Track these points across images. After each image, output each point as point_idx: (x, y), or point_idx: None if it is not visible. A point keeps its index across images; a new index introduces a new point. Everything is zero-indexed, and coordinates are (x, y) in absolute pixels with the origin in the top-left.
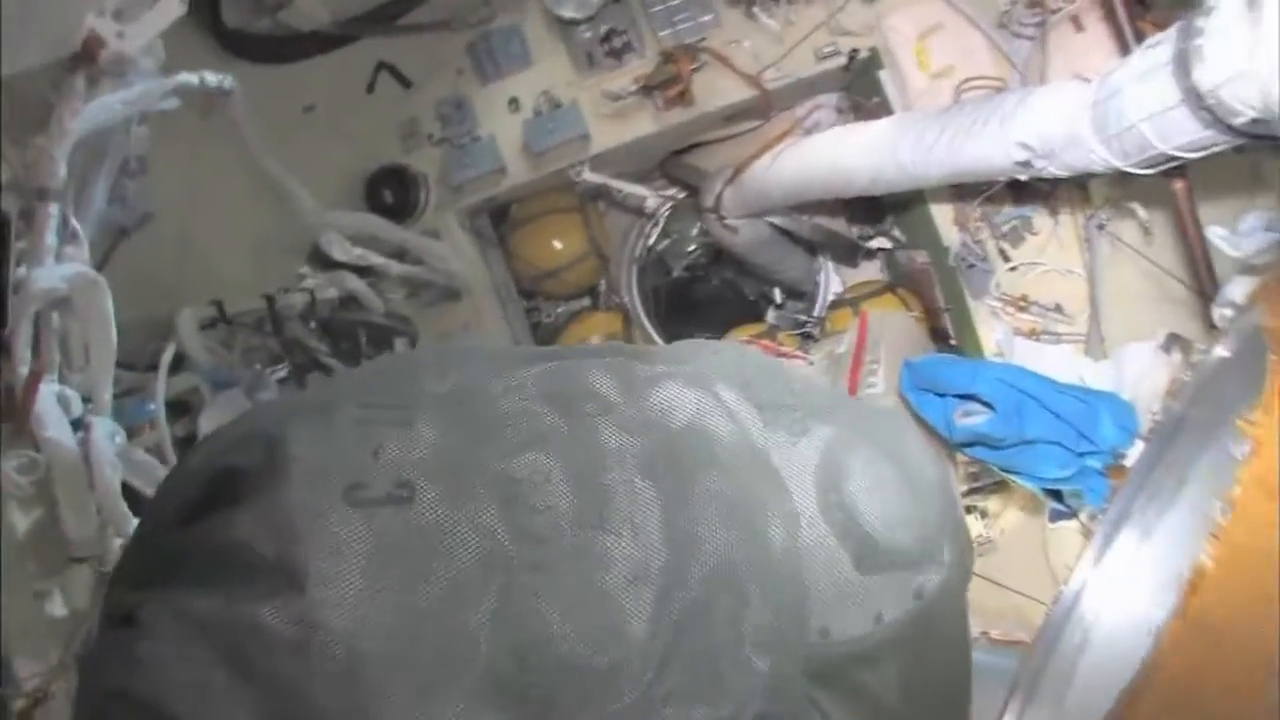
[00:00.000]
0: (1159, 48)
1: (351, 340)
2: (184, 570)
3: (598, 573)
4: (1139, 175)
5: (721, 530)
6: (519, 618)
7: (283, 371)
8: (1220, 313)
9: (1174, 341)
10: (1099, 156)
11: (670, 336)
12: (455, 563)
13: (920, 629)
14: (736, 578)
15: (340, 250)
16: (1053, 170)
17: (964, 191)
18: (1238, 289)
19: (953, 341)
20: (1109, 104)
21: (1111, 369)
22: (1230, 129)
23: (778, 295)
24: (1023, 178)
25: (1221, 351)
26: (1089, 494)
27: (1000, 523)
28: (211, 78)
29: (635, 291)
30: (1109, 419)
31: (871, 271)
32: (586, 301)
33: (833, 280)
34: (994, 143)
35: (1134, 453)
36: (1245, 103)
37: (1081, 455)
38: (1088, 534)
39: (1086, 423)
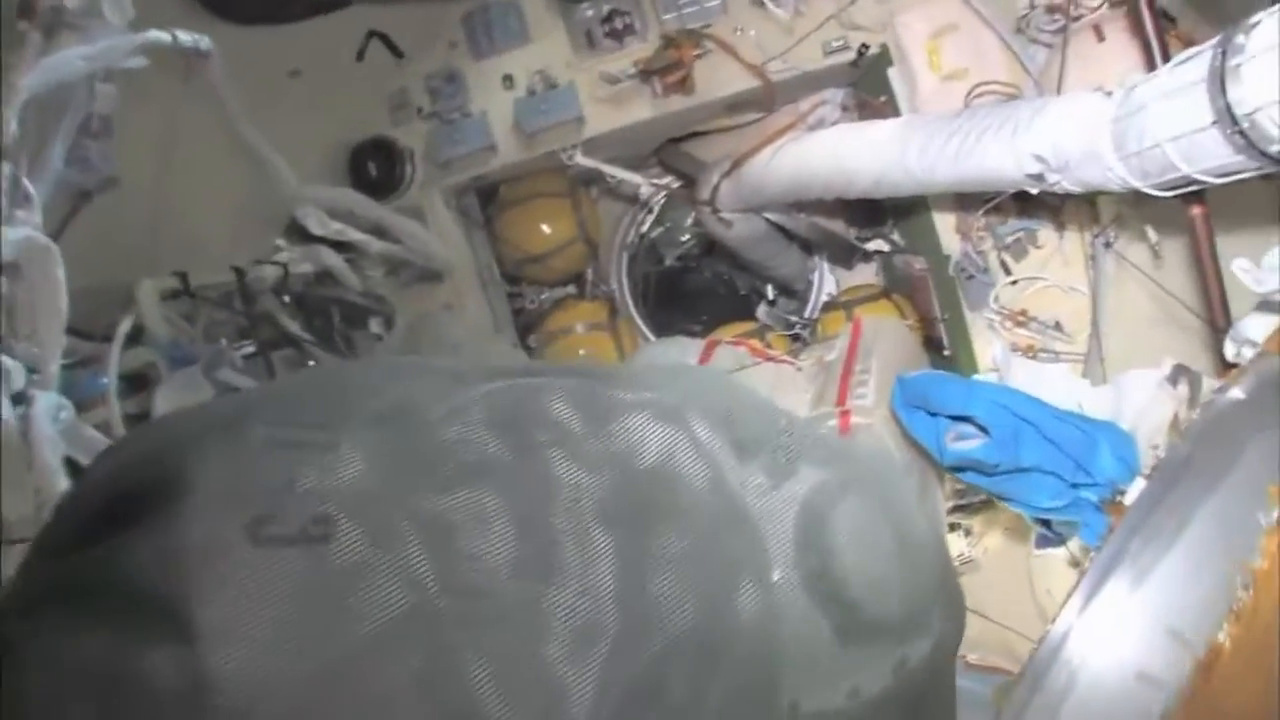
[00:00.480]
0: (1191, 64)
1: (324, 317)
2: (71, 601)
3: (538, 633)
4: (1156, 197)
5: (684, 591)
6: (444, 682)
7: (249, 348)
8: (1235, 349)
9: (1181, 373)
10: (1116, 174)
11: (658, 326)
12: (374, 616)
13: (900, 702)
14: (697, 646)
15: (317, 224)
16: (1066, 185)
17: (968, 200)
18: (1255, 326)
19: (946, 352)
20: (1131, 120)
21: (1111, 395)
22: (1265, 155)
23: (770, 292)
24: (1033, 190)
25: (1237, 393)
26: (1084, 530)
27: (985, 541)
28: (185, 37)
29: (624, 279)
30: (1108, 451)
31: (867, 275)
32: (572, 289)
33: (827, 281)
34: (1006, 152)
35: (1133, 489)
36: None
37: (1076, 486)
38: (1074, 562)
39: (1084, 453)
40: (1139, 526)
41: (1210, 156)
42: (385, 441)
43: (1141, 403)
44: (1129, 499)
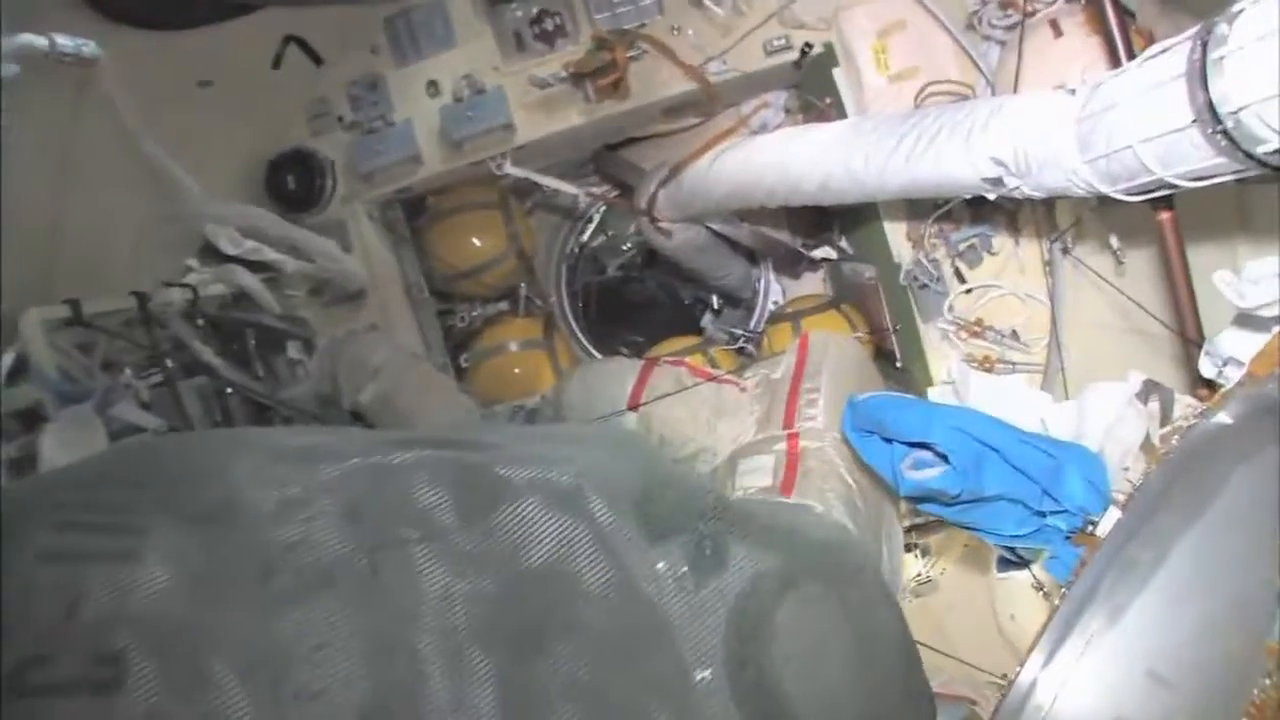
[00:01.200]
0: (1166, 57)
1: (240, 342)
2: None
3: None
4: (1123, 202)
5: None
6: None
7: (156, 378)
8: (1214, 367)
9: (1152, 390)
10: (1081, 179)
11: (598, 339)
12: None
13: None
14: None
15: (229, 242)
16: (1026, 190)
17: (919, 206)
18: (1235, 342)
19: (899, 364)
20: (1099, 120)
21: (1075, 411)
22: (1250, 157)
23: (715, 302)
24: (990, 196)
25: (1223, 418)
26: (1052, 564)
27: (943, 561)
28: (66, 42)
29: (564, 291)
30: (1078, 476)
31: (815, 284)
32: (505, 305)
33: (773, 290)
34: (961, 156)
35: (1106, 519)
36: (1275, 128)
37: (1043, 514)
38: (1039, 586)
39: (1052, 480)
40: (1113, 560)
41: (1188, 159)
42: (201, 546)
43: (1108, 419)
44: (1102, 529)
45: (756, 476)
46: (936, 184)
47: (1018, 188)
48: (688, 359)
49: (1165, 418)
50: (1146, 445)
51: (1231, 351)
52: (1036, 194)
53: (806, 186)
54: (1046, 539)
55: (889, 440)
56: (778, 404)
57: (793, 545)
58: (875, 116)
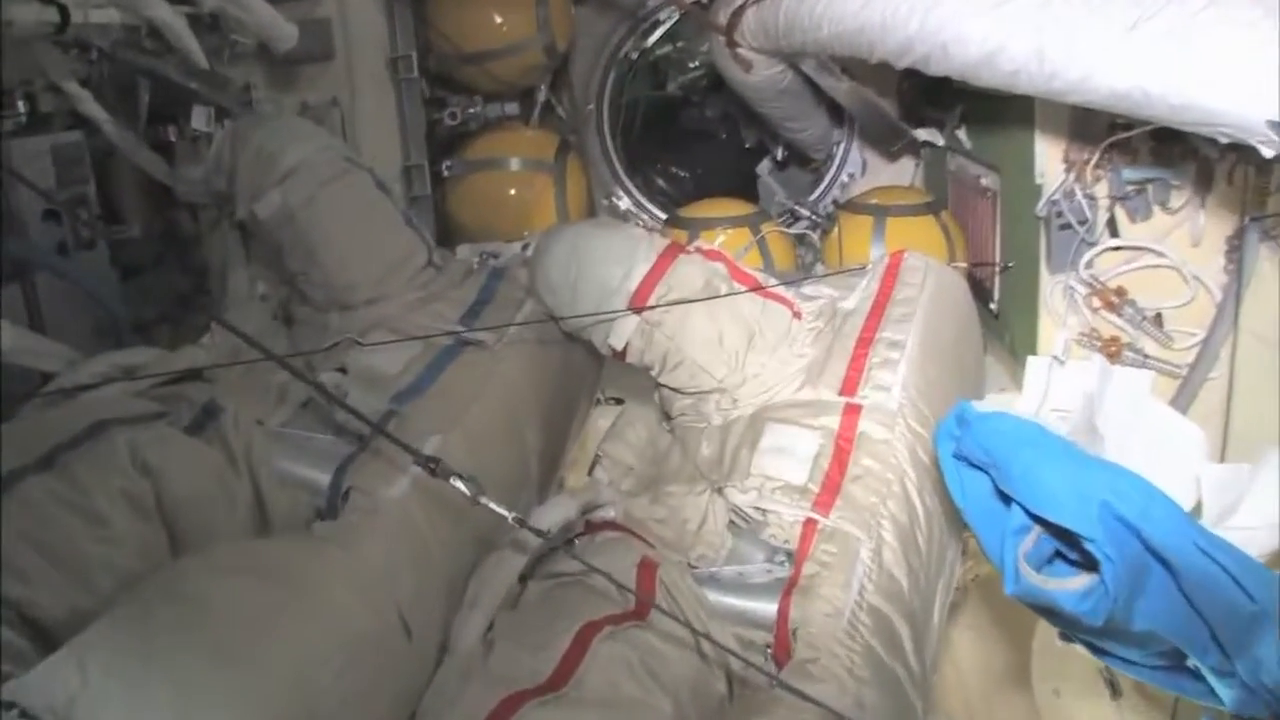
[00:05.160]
0: None
1: (131, 95)
2: None
3: None
4: None
5: None
6: None
7: None
8: None
9: None
10: None
11: (632, 161)
12: None
13: None
14: None
15: None
16: None
17: (1091, 121)
18: None
19: (993, 306)
20: None
21: (1244, 481)
22: None
23: (780, 153)
24: (1267, 151)
25: None
26: None
27: (977, 569)
28: None
29: (605, 101)
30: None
31: (904, 172)
32: (514, 107)
33: (852, 159)
34: (1243, 72)
35: None
36: None
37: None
38: (1111, 681)
39: (1238, 631)
40: None
41: None
42: None
43: None
44: None
45: (784, 464)
46: (1175, 105)
47: None
48: (724, 238)
49: None
50: None
51: None
52: None
53: (961, 54)
54: (1178, 687)
55: (1004, 496)
56: (840, 350)
57: None
58: None
